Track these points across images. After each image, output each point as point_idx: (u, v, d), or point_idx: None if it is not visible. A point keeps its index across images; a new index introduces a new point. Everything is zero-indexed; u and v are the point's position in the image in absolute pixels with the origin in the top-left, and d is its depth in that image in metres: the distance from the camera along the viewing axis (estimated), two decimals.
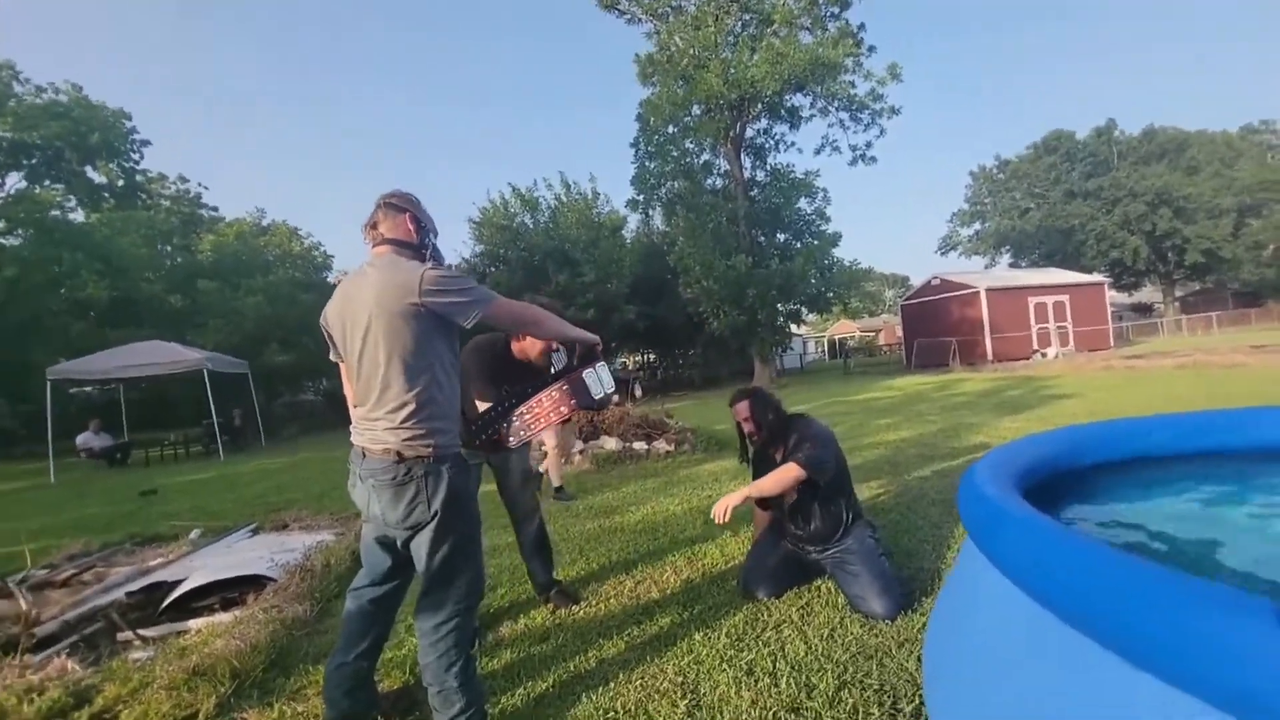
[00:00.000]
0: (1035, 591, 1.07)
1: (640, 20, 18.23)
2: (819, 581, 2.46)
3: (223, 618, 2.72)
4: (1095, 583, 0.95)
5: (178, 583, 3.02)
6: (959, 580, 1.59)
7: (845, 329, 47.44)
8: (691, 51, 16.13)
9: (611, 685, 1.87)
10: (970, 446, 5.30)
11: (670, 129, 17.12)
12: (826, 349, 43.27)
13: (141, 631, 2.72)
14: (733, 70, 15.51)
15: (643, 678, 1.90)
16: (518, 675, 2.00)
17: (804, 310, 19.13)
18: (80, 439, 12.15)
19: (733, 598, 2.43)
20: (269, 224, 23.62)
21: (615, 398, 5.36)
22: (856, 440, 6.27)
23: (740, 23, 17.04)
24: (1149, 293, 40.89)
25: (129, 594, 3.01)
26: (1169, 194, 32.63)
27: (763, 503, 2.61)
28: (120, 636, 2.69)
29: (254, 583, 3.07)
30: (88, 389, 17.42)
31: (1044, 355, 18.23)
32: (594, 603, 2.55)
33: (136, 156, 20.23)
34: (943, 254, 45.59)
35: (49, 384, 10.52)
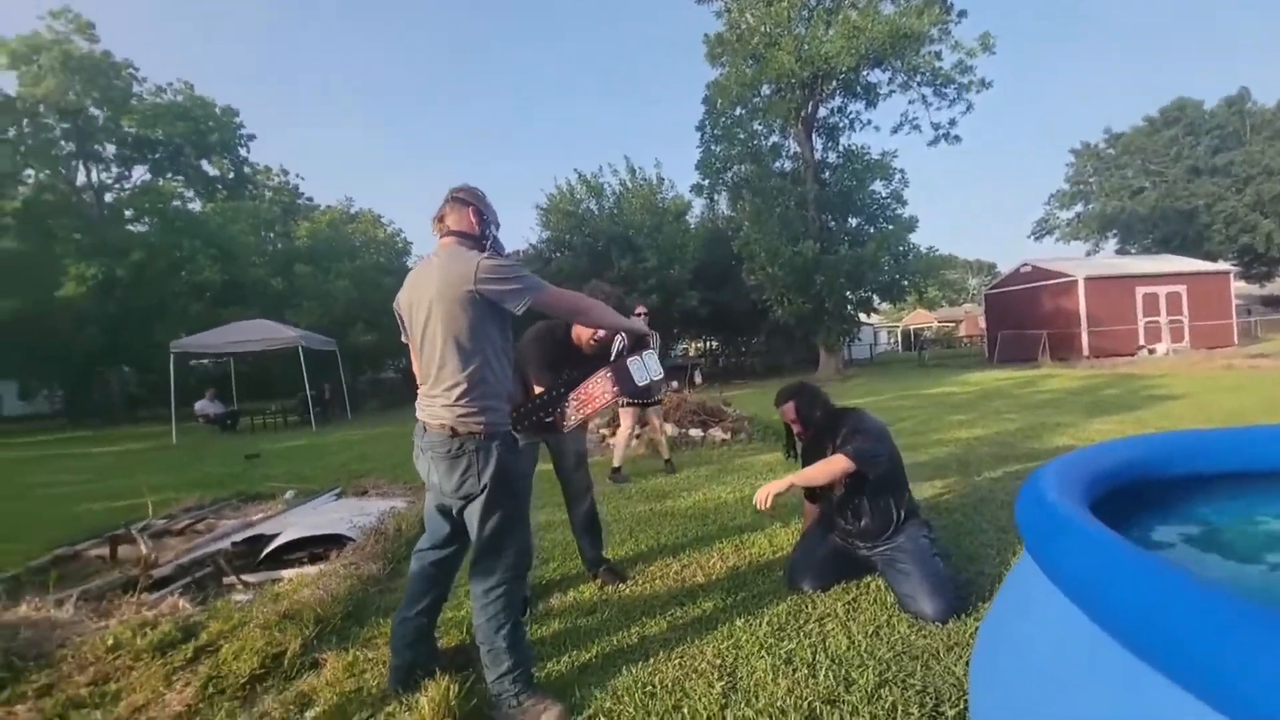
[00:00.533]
0: (1087, 607, 1.01)
1: None
2: (869, 579, 2.40)
3: (310, 570, 3.02)
4: (1150, 603, 0.89)
5: (274, 536, 3.39)
6: (1014, 588, 1.51)
7: (922, 319, 44.88)
8: (763, 29, 15.59)
9: (651, 661, 1.93)
10: (1050, 449, 4.93)
11: (738, 110, 16.70)
12: (900, 340, 41.18)
13: (244, 577, 3.08)
14: (806, 47, 14.86)
15: (682, 657, 1.95)
16: (564, 644, 2.10)
17: (875, 299, 18.28)
18: (198, 406, 13.70)
19: (778, 588, 2.43)
20: (356, 212, 25.27)
21: (673, 384, 5.41)
22: (924, 436, 5.99)
23: None
24: None
25: (234, 544, 3.40)
26: None
27: (811, 495, 2.57)
28: (225, 581, 3.06)
29: (336, 541, 3.38)
30: (204, 361, 19.53)
31: (1151, 352, 16.47)
32: (640, 582, 2.62)
33: (244, 150, 22.15)
34: (1037, 239, 41.83)
35: (172, 356, 11.88)
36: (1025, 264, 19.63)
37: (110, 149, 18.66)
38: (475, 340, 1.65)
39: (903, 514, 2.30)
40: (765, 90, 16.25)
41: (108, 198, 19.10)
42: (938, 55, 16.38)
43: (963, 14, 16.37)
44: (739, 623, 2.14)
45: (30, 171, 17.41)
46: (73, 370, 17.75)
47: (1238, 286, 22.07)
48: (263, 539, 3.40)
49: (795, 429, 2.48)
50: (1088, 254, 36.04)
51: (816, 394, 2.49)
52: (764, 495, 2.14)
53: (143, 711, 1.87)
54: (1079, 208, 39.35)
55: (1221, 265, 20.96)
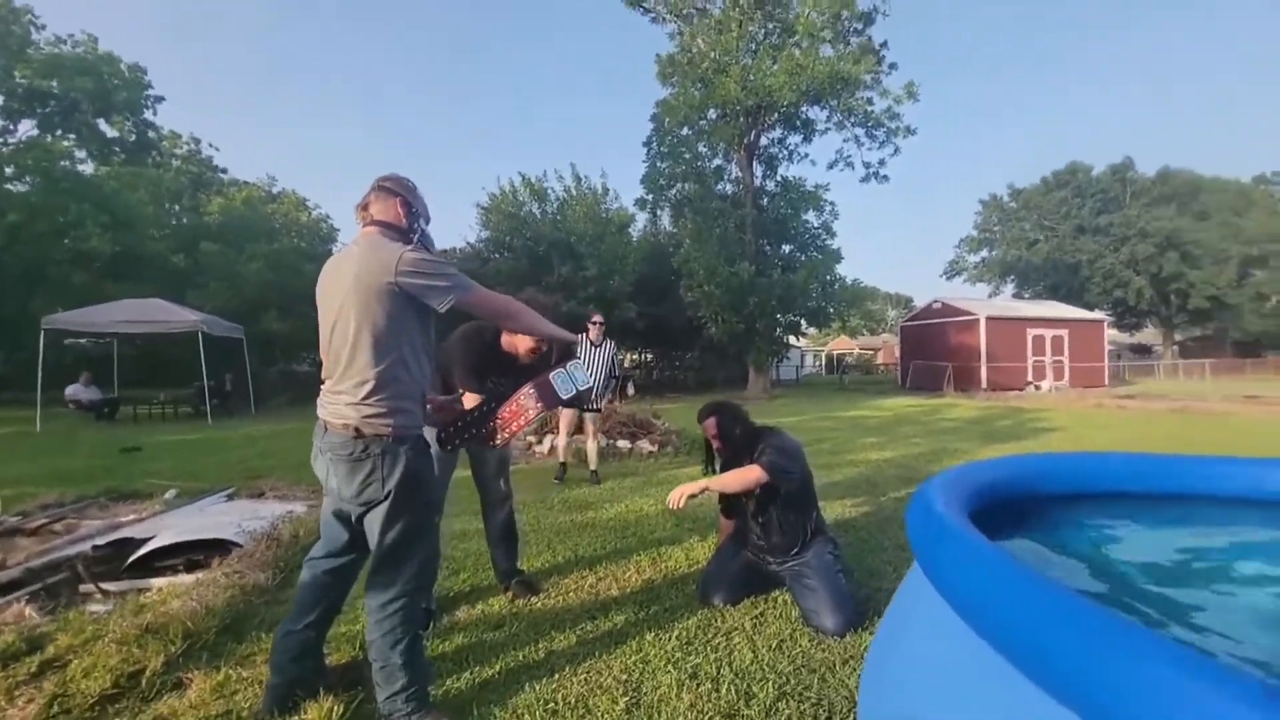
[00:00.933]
0: (968, 617, 1.09)
1: (665, 20, 18.23)
2: (777, 593, 2.48)
3: (185, 579, 2.74)
4: (1024, 612, 0.96)
5: (145, 540, 3.04)
6: (903, 600, 1.61)
7: (844, 345, 47.48)
8: (713, 55, 16.13)
9: (556, 677, 1.89)
10: None
11: (685, 131, 17.11)
12: (824, 363, 43.33)
13: (104, 585, 2.73)
14: (752, 77, 15.51)
15: (588, 673, 1.91)
16: (467, 660, 2.02)
17: (803, 323, 19.16)
18: (70, 390, 12.16)
19: (690, 601, 2.45)
20: (279, 192, 23.58)
21: (608, 397, 5.37)
22: (839, 456, 6.30)
23: (764, 30, 17.03)
24: (1149, 334, 41.02)
25: (95, 547, 3.02)
26: (1178, 237, 32.74)
27: (727, 510, 2.63)
28: (82, 588, 2.71)
29: (220, 547, 3.09)
30: (83, 341, 17.40)
31: (1037, 388, 18.27)
32: (553, 595, 2.57)
33: (150, 113, 20.18)
34: (948, 278, 45.74)
35: (42, 333, 10.51)
36: (937, 301, 21.30)
37: None
38: (390, 336, 1.56)
39: (811, 531, 2.40)
40: (711, 114, 16.76)
41: None
42: (869, 101, 17.60)
43: (893, 66, 17.74)
44: (649, 637, 2.14)
45: None
46: None
47: (1111, 334, 24.98)
48: (131, 543, 3.04)
49: (715, 445, 2.53)
50: (990, 295, 39.70)
51: (738, 412, 2.55)
52: (678, 495, 2.20)
53: None
54: (984, 253, 43.40)
55: (1097, 314, 23.67)
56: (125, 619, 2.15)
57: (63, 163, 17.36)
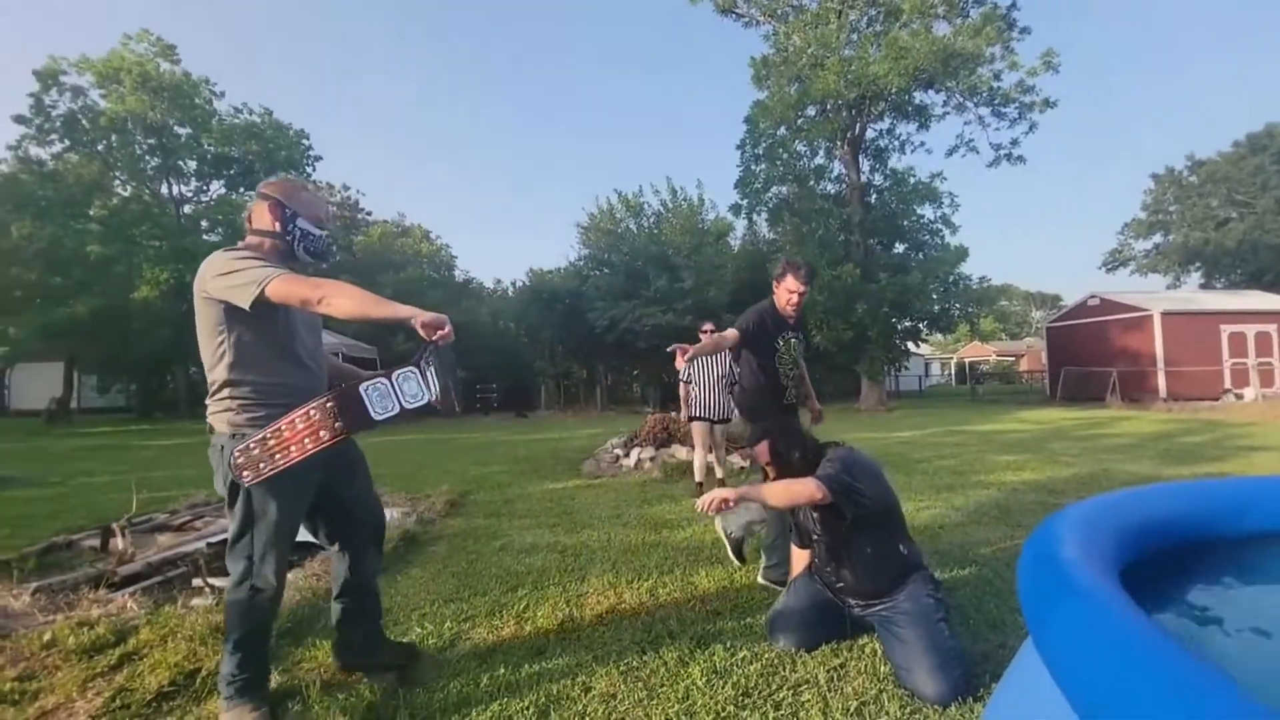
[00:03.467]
0: (1077, 704, 0.70)
1: (758, 22, 17.78)
2: (865, 640, 2.05)
3: None
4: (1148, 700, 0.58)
5: None
6: (1021, 668, 1.17)
7: (978, 352, 42.66)
8: (810, 50, 15.37)
9: None
10: None
11: (781, 130, 16.42)
12: (953, 372, 39.21)
13: (212, 581, 2.98)
14: (853, 68, 14.53)
15: None
16: (499, 690, 1.85)
17: (924, 328, 17.40)
18: None
19: (758, 642, 2.10)
20: (407, 226, 26.34)
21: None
22: (964, 476, 5.44)
23: (866, 17, 15.95)
24: None
25: (209, 544, 3.33)
26: None
27: (800, 539, 2.24)
28: (195, 582, 2.97)
29: (312, 548, 3.26)
30: None
31: (1239, 396, 14.90)
32: (607, 621, 2.34)
33: (310, 169, 23.54)
34: (1109, 270, 39.12)
35: None
36: (1093, 296, 18.30)
37: (191, 165, 20.18)
38: (217, 340, 1.60)
39: (900, 569, 1.95)
40: (810, 111, 15.95)
41: (186, 209, 20.60)
42: (996, 75, 15.70)
43: (1025, 30, 15.67)
44: (700, 683, 1.83)
45: (119, 184, 19.02)
46: (145, 367, 19.01)
47: None
48: None
49: (771, 472, 2.16)
50: (1168, 287, 33.45)
51: (797, 433, 2.20)
52: (709, 500, 1.82)
53: (49, 716, 1.76)
54: (1157, 238, 36.70)
55: None
56: (201, 616, 2.27)
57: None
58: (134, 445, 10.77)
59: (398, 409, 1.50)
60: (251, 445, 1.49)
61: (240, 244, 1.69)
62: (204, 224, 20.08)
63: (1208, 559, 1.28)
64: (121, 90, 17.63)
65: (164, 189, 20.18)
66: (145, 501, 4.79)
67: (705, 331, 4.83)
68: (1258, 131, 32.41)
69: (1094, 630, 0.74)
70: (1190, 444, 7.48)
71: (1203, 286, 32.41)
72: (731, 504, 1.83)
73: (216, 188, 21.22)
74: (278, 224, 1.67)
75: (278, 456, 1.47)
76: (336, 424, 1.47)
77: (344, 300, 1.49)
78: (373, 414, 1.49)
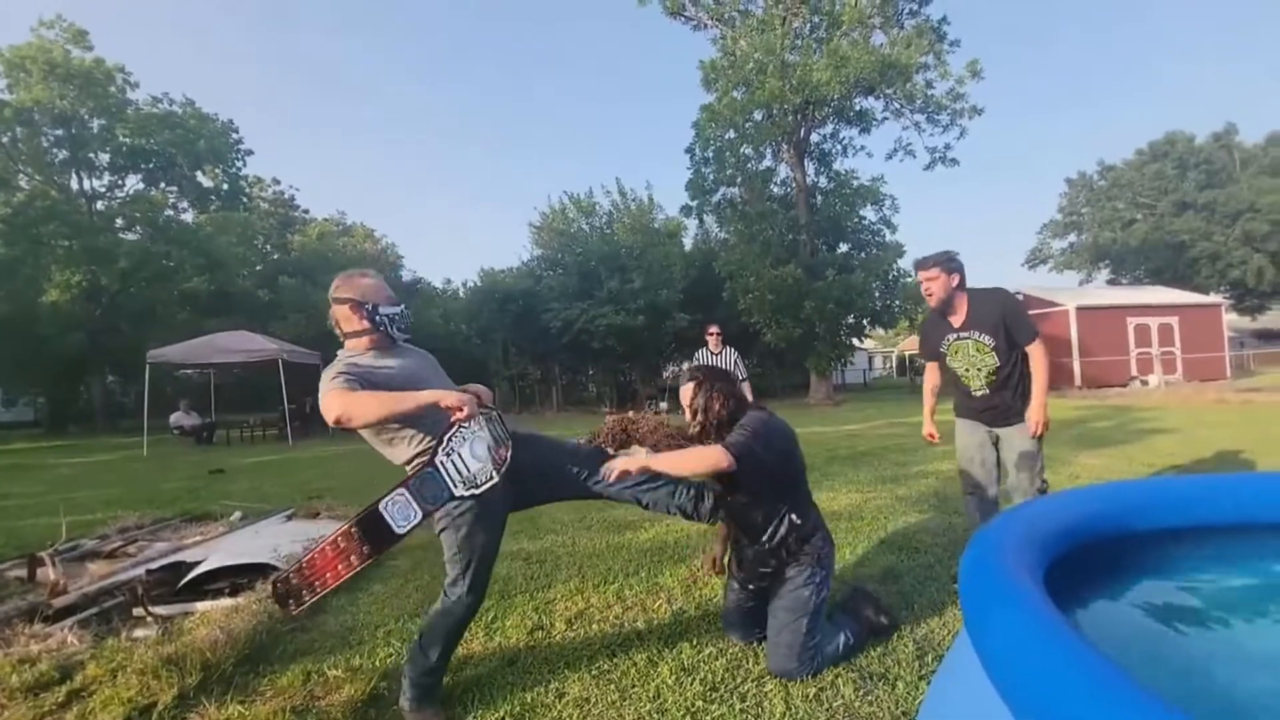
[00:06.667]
0: (1006, 696, 0.82)
1: (706, 26, 18.07)
2: None
3: (224, 603, 2.78)
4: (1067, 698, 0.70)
5: (197, 563, 3.15)
6: (956, 660, 1.32)
7: (916, 345, 44.92)
8: (756, 55, 15.76)
9: None
10: None
11: (729, 134, 16.78)
12: (895, 365, 41.12)
13: (154, 609, 2.83)
14: (797, 74, 15.02)
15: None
16: (474, 700, 1.88)
17: (867, 324, 18.20)
18: (172, 417, 13.40)
19: (722, 638, 2.21)
20: (349, 225, 25.26)
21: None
22: (906, 468, 5.79)
23: (809, 25, 16.50)
24: (1277, 316, 35.96)
25: (149, 571, 3.15)
26: None
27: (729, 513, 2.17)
28: (135, 612, 2.82)
29: (265, 570, 3.15)
30: (189, 372, 19.24)
31: (1144, 383, 16.38)
32: (576, 626, 2.40)
33: (240, 163, 22.17)
34: (1030, 268, 42.21)
35: (147, 366, 11.66)
36: (1018, 292, 19.64)
37: (104, 157, 18.62)
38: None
39: (791, 540, 1.96)
40: (757, 115, 16.36)
41: (99, 205, 18.99)
42: (929, 84, 16.59)
43: (955, 43, 16.63)
44: (669, 681, 1.92)
45: (24, 178, 17.36)
46: (56, 377, 17.47)
47: (1230, 319, 22.11)
48: (184, 566, 3.16)
49: (690, 418, 2.02)
50: (1080, 284, 36.27)
51: (730, 385, 2.05)
52: (608, 469, 1.78)
53: None
54: (1072, 238, 39.73)
55: (1213, 298, 21.03)
56: (152, 647, 2.17)
57: (167, 212, 19.37)
58: (49, 463, 9.92)
59: (420, 515, 1.59)
60: (291, 575, 1.58)
61: (340, 353, 1.80)
62: (119, 221, 18.55)
63: (1124, 554, 1.46)
64: (29, 79, 16.10)
65: (74, 183, 18.56)
66: (70, 525, 4.47)
67: (712, 334, 4.92)
68: (1158, 140, 35.58)
69: (1022, 638, 0.86)
70: (1100, 429, 8.19)
71: (1110, 282, 35.34)
72: (633, 474, 1.77)
73: (133, 182, 19.66)
74: (365, 322, 1.78)
75: (316, 584, 1.57)
76: (363, 548, 1.56)
77: (368, 411, 1.58)
78: (395, 529, 1.56)
